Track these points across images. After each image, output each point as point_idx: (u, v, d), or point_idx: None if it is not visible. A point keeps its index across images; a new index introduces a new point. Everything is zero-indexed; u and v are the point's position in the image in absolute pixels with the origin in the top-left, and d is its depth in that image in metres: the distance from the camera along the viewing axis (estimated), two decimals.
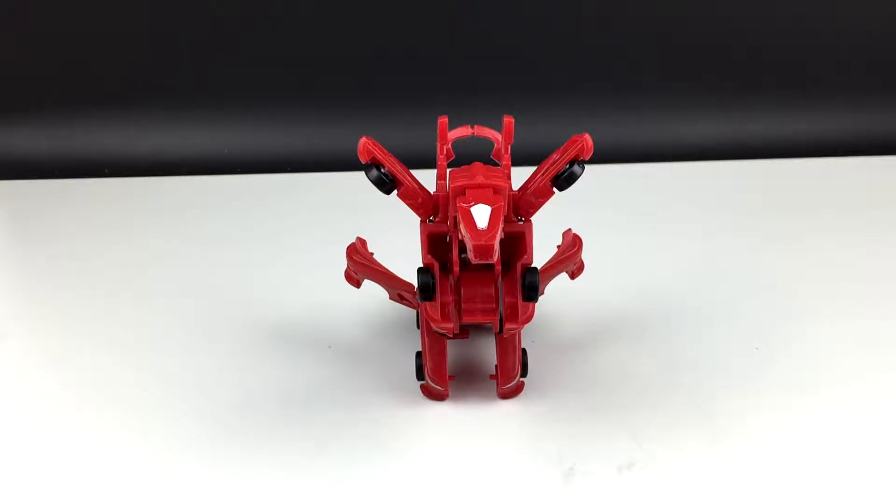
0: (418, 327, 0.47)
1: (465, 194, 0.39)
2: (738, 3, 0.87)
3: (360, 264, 0.47)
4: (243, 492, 0.38)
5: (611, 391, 0.45)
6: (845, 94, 0.89)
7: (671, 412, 0.43)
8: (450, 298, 0.42)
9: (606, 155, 0.72)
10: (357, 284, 0.49)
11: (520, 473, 0.39)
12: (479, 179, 0.39)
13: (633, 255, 0.63)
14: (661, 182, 0.80)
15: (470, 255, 0.38)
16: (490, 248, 0.37)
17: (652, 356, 0.48)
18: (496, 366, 0.43)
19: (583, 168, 0.42)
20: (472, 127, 0.45)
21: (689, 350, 0.49)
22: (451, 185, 0.40)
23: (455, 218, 0.39)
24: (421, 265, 0.41)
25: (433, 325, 0.41)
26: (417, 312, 0.48)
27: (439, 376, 0.43)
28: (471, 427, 0.42)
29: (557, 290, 0.51)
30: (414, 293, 0.46)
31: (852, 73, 0.89)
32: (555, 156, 0.42)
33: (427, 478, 0.39)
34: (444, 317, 0.41)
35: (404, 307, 0.50)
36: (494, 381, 0.44)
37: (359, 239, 0.49)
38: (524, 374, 0.44)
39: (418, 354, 0.44)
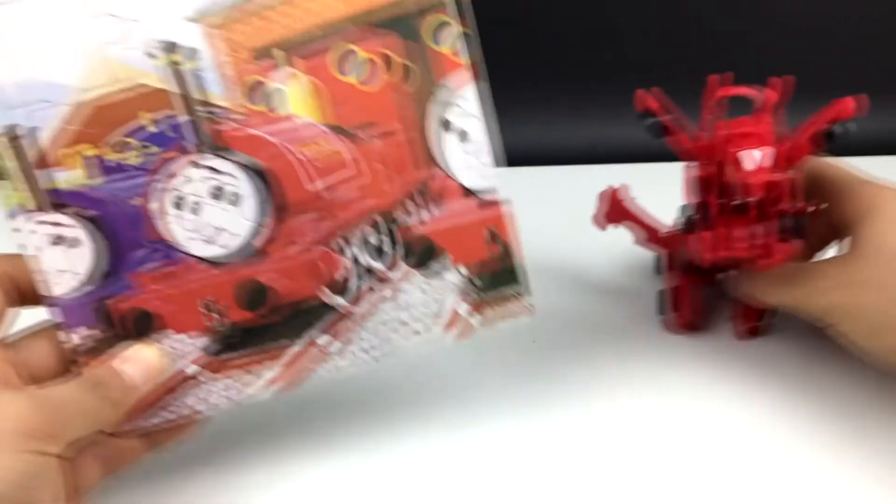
0: (659, 273, 0.52)
1: (733, 141, 0.41)
2: (738, 2, 0.87)
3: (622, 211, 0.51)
4: (243, 490, 0.38)
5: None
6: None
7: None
8: (710, 234, 0.43)
9: (606, 155, 0.73)
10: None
11: None
12: (747, 128, 0.42)
13: (633, 254, 0.63)
14: (661, 182, 0.80)
15: (739, 192, 0.39)
16: (759, 185, 0.39)
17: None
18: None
19: (845, 129, 0.44)
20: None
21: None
22: (719, 133, 0.42)
23: (721, 163, 0.41)
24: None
25: (697, 257, 0.43)
26: (657, 257, 0.53)
27: (695, 313, 0.47)
28: None
29: (558, 289, 0.51)
30: None
31: (852, 74, 0.89)
32: (814, 117, 0.44)
33: (427, 477, 0.39)
34: (711, 248, 0.42)
35: None
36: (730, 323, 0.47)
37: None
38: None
39: (660, 292, 0.49)
